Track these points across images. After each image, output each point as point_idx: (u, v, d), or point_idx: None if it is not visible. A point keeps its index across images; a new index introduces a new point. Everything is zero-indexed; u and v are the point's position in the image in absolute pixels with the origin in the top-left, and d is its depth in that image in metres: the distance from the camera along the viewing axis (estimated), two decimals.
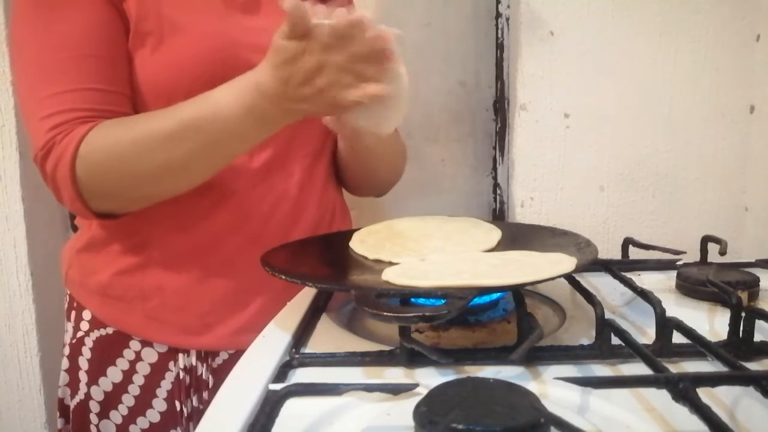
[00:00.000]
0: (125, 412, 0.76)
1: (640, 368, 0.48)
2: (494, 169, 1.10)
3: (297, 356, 0.54)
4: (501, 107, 1.07)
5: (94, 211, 0.69)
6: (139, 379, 0.76)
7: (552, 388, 0.47)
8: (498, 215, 1.10)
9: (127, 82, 0.70)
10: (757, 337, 0.53)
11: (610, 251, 1.02)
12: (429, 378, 0.49)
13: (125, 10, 0.69)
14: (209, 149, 0.66)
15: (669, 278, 0.75)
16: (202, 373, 0.76)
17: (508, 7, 1.03)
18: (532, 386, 0.46)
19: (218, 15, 0.73)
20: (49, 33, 0.67)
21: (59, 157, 0.65)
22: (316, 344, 0.58)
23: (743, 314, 0.54)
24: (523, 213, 1.10)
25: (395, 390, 0.45)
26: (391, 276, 0.58)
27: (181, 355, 0.76)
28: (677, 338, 0.52)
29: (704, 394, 0.41)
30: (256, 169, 0.76)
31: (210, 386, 0.76)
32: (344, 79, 0.59)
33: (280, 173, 0.78)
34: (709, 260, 0.79)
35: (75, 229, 0.85)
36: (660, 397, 0.42)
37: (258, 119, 0.63)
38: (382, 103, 0.62)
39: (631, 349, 0.50)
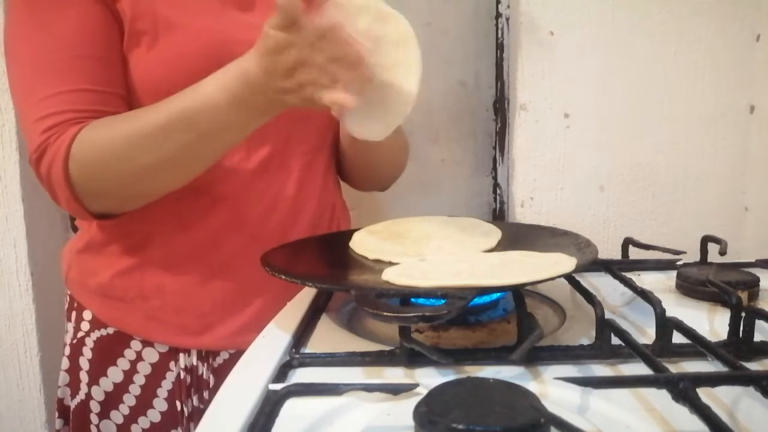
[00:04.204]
0: (126, 411, 0.76)
1: (640, 368, 0.48)
2: (494, 169, 1.10)
3: (297, 356, 0.54)
4: (501, 107, 1.07)
5: (90, 212, 0.69)
6: (140, 379, 0.76)
7: (552, 388, 0.47)
8: (498, 215, 1.10)
9: (122, 82, 0.70)
10: (757, 337, 0.53)
11: (610, 251, 1.02)
12: (429, 378, 0.49)
13: (119, 11, 0.69)
14: (200, 141, 0.65)
15: (669, 278, 0.75)
16: (203, 373, 0.76)
17: (508, 7, 1.03)
18: (532, 386, 0.46)
19: (213, 12, 0.73)
20: (43, 34, 0.67)
21: (52, 158, 0.65)
22: (316, 344, 0.58)
23: (743, 314, 0.54)
24: (523, 213, 1.10)
25: (395, 390, 0.45)
26: (391, 276, 0.57)
27: (182, 355, 0.76)
28: (677, 338, 0.52)
29: (704, 394, 0.41)
30: (254, 168, 0.76)
31: (211, 386, 0.76)
32: (321, 78, 0.59)
33: (278, 171, 0.78)
34: (709, 260, 0.79)
35: (75, 229, 0.85)
36: (660, 397, 0.42)
37: (245, 108, 0.63)
38: (370, 109, 0.62)
39: (631, 349, 0.50)
